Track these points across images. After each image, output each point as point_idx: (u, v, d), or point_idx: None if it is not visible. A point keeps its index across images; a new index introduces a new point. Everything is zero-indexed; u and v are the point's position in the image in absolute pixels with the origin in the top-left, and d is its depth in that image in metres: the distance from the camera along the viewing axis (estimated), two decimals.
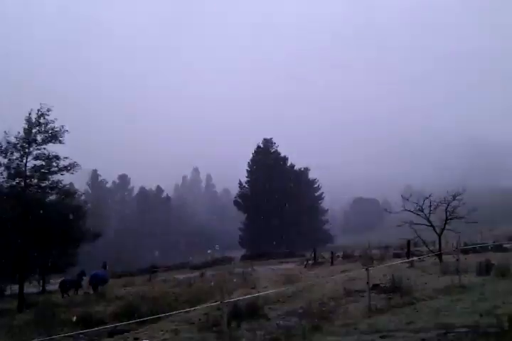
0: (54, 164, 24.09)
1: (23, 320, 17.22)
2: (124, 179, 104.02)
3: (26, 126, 23.95)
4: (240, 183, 79.91)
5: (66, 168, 24.56)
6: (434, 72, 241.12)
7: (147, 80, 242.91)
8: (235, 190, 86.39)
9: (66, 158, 24.25)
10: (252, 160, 79.85)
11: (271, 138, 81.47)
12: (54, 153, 23.90)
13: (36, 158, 23.77)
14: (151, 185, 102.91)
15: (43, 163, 23.75)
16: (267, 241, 73.24)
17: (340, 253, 33.91)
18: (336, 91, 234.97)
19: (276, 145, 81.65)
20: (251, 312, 12.98)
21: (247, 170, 79.79)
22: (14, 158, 23.50)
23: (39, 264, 24.08)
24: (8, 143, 23.49)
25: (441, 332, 8.98)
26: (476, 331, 8.55)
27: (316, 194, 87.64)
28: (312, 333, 10.38)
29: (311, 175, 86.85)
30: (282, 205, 76.65)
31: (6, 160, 23.48)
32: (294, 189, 77.45)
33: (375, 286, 14.41)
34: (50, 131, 23.81)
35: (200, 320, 13.18)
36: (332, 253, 29.17)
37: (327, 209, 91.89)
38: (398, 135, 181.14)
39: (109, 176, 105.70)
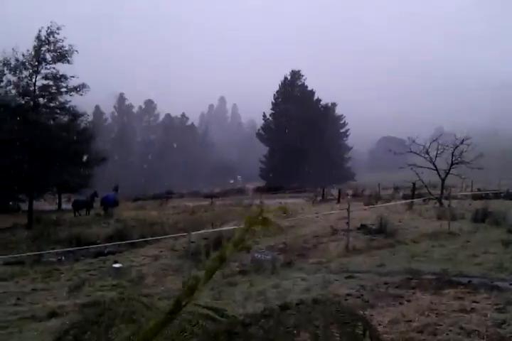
0: (63, 84, 23.81)
1: (23, 235, 17.97)
2: (150, 104, 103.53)
3: (36, 44, 23.39)
4: (264, 115, 78.41)
5: (75, 89, 24.29)
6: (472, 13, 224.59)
7: (181, 6, 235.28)
8: (260, 122, 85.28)
9: (73, 77, 23.90)
10: (277, 91, 77.51)
11: (299, 71, 78.26)
12: (62, 73, 23.54)
13: (45, 77, 23.47)
14: (176, 112, 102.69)
15: (52, 83, 23.45)
16: (287, 174, 73.50)
17: (351, 192, 33.64)
18: (372, 27, 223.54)
19: (304, 77, 78.59)
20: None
21: (272, 102, 77.78)
22: (23, 76, 23.27)
23: (49, 184, 24.56)
24: (17, 60, 23.14)
25: (406, 278, 8.80)
26: (440, 279, 8.30)
27: (342, 130, 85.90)
28: (283, 268, 10.41)
29: (338, 111, 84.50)
30: (305, 140, 75.71)
31: (15, 78, 23.30)
32: (318, 124, 75.79)
33: (363, 226, 14.21)
34: (58, 50, 23.23)
35: (184, 247, 13.40)
36: (340, 190, 28.92)
37: (351, 147, 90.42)
38: (433, 76, 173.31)
39: (137, 101, 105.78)
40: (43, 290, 9.63)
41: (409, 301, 7.30)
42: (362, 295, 7.84)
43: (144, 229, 17.27)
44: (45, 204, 35.61)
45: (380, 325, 5.95)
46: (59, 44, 23.33)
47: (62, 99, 24.42)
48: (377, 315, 6.58)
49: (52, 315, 7.79)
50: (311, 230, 15.19)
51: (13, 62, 23.17)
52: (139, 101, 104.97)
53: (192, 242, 14.13)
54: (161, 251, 13.08)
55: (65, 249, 13.10)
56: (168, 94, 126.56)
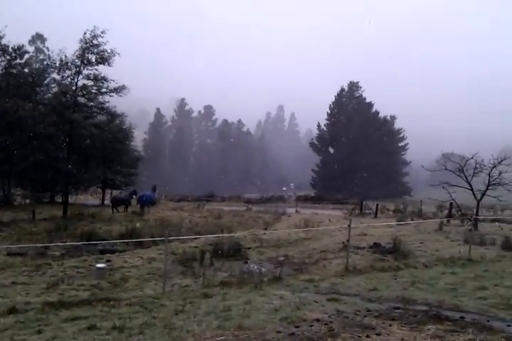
0: (104, 85, 24.43)
1: (46, 227, 18.33)
2: (209, 110, 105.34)
3: (80, 46, 24.21)
4: (319, 125, 77.48)
5: (115, 90, 24.87)
6: None
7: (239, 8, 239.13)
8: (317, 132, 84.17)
9: (113, 80, 24.53)
10: (333, 102, 76.29)
11: (357, 82, 76.61)
12: (102, 74, 24.20)
13: (87, 77, 24.22)
14: (234, 119, 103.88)
15: (92, 83, 24.16)
16: (337, 186, 72.04)
17: (392, 207, 32.04)
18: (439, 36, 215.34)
19: (362, 89, 76.84)
20: (234, 253, 12.55)
21: (327, 112, 76.67)
22: (66, 75, 24.13)
23: (83, 180, 25.23)
24: (62, 60, 24.02)
25: (392, 307, 7.84)
26: (428, 312, 7.29)
27: (400, 144, 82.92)
28: (269, 283, 9.71)
29: (398, 125, 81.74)
30: (359, 152, 73.84)
31: (59, 77, 24.20)
32: (375, 136, 73.66)
33: (376, 245, 13.16)
34: (101, 53, 23.94)
35: (184, 252, 13.03)
36: (377, 205, 27.55)
37: (409, 162, 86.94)
38: (500, 89, 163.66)
39: (197, 106, 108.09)
40: (22, 284, 9.57)
41: (378, 334, 6.39)
42: (331, 322, 7.01)
43: (159, 230, 17.06)
44: (90, 199, 36.85)
45: None
46: (101, 47, 24.07)
47: (101, 99, 25.14)
48: None
49: (11, 311, 7.61)
50: (323, 244, 14.34)
51: (58, 62, 24.11)
52: (198, 107, 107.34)
53: (195, 247, 13.81)
54: (160, 254, 12.73)
55: (67, 244, 13.13)
56: (228, 100, 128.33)
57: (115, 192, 36.21)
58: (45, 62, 24.38)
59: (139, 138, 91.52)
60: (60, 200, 29.93)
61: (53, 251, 13.66)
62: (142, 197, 28.68)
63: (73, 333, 6.44)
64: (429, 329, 6.48)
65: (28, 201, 30.45)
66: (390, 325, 6.75)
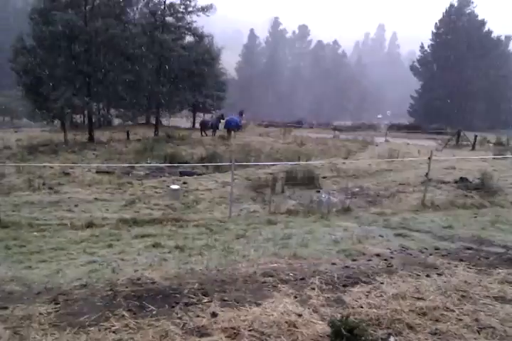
0: (191, 3, 23.90)
1: (134, 147, 19.41)
2: (303, 30, 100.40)
3: None
4: (422, 46, 70.81)
5: (203, 9, 24.24)
6: None
7: None
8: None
9: None
10: (440, 20, 68.44)
11: None
12: None
13: None
14: (330, 40, 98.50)
15: (180, 2, 23.69)
16: (438, 114, 67.14)
17: (494, 139, 29.27)
18: None
19: (474, 5, 67.74)
20: (308, 181, 12.37)
21: (432, 31, 69.38)
22: None
23: (173, 102, 25.84)
24: None
25: (465, 246, 7.30)
26: (502, 255, 6.67)
27: None
28: (337, 214, 9.49)
29: None
30: (467, 77, 67.18)
31: None
32: (485, 59, 66.07)
33: (462, 180, 12.15)
34: None
35: (259, 178, 13.11)
36: (475, 136, 25.28)
37: None
38: None
39: (292, 26, 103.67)
40: (103, 200, 10.30)
41: (440, 275, 5.98)
42: (391, 257, 6.71)
43: (241, 155, 17.25)
44: (181, 122, 38.25)
45: (379, 296, 4.96)
46: None
47: (189, 19, 24.72)
48: (387, 284, 5.54)
49: (89, 226, 8.25)
50: (405, 177, 13.57)
51: None
52: (293, 27, 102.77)
53: (270, 174, 13.82)
54: (235, 178, 12.93)
55: (150, 165, 13.79)
56: (324, 20, 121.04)
57: (206, 116, 37.04)
58: None
59: (233, 61, 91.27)
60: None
61: (138, 170, 14.48)
62: (229, 122, 29.00)
63: (139, 249, 6.80)
64: (498, 273, 5.92)
65: (126, 122, 32.32)
66: (456, 266, 6.27)
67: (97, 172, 13.75)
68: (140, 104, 24.87)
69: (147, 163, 15.29)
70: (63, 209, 9.35)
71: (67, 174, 13.66)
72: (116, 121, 33.18)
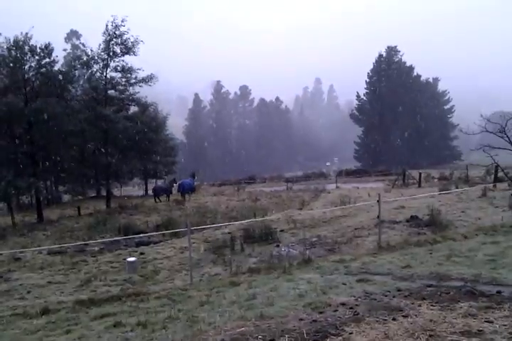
0: (132, 76, 24.54)
1: (86, 222, 18.90)
2: (244, 90, 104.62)
3: (105, 38, 24.29)
4: (358, 95, 75.23)
5: (144, 80, 24.93)
6: None
7: None
8: None
9: (139, 69, 24.53)
10: (372, 70, 73.61)
11: (395, 46, 73.39)
12: (129, 65, 24.29)
13: (115, 69, 24.36)
14: (271, 97, 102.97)
15: (121, 75, 24.29)
16: (381, 156, 70.21)
17: (437, 175, 30.73)
18: None
19: (401, 53, 73.61)
20: (266, 236, 12.39)
21: (365, 81, 74.19)
22: (95, 70, 24.37)
23: (122, 171, 25.70)
24: (88, 55, 24.24)
25: (425, 284, 7.43)
26: (462, 288, 6.83)
27: (446, 107, 79.42)
28: (298, 267, 9.48)
29: (442, 87, 78.21)
30: (403, 118, 71.41)
31: (88, 73, 24.43)
32: (418, 102, 70.80)
33: (413, 218, 12.58)
34: (124, 43, 23.92)
35: (217, 239, 13.01)
36: (420, 174, 26.48)
37: (457, 124, 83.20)
38: None
39: (233, 87, 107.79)
40: (57, 283, 9.83)
41: (405, 316, 6.01)
42: (356, 305, 6.71)
43: (196, 218, 17.16)
44: (134, 190, 37.81)
45: None
46: (125, 36, 24.04)
47: (132, 90, 25.28)
48: (356, 333, 5.49)
49: (44, 312, 7.80)
50: (358, 221, 13.87)
51: (84, 58, 24.33)
52: (235, 88, 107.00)
53: (228, 233, 13.75)
54: (194, 243, 12.75)
55: (101, 241, 13.40)
56: (263, 79, 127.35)
57: (159, 182, 36.89)
58: (72, 59, 24.62)
59: (180, 125, 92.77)
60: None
61: (92, 246, 14.01)
62: (182, 185, 29.01)
63: (99, 332, 6.49)
64: (461, 307, 6.02)
65: (76, 198, 31.54)
66: (420, 305, 6.34)
67: (48, 253, 13.20)
68: (89, 177, 24.57)
69: (101, 236, 14.86)
70: (15, 297, 8.83)
71: (18, 259, 13.02)
72: (66, 197, 32.44)
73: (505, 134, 14.09)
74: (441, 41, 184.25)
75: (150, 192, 35.50)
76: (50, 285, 9.68)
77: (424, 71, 76.05)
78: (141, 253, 12.14)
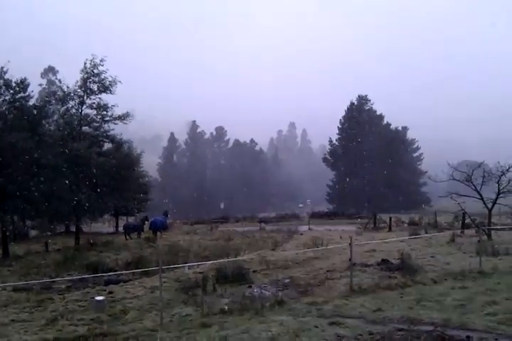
0: (108, 113, 24.74)
1: (53, 258, 18.37)
2: (220, 131, 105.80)
3: (82, 76, 24.62)
4: (330, 141, 77.57)
5: (119, 118, 25.15)
6: None
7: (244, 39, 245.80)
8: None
9: (113, 106, 24.77)
10: (344, 117, 76.38)
11: (366, 95, 76.67)
12: (105, 102, 24.51)
13: (91, 107, 24.56)
14: (246, 139, 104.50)
15: (96, 112, 24.49)
16: (353, 200, 71.29)
17: (407, 219, 31.41)
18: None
19: (371, 102, 76.83)
20: (238, 277, 12.30)
21: (338, 127, 76.78)
22: (70, 106, 24.51)
23: (94, 209, 25.30)
24: (64, 92, 24.45)
25: (397, 328, 7.53)
26: (431, 333, 6.94)
27: (415, 154, 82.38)
28: (271, 309, 9.43)
29: (411, 135, 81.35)
30: (374, 165, 73.38)
31: (63, 109, 24.54)
32: (388, 148, 73.15)
33: (384, 262, 12.78)
34: (102, 82, 24.29)
35: (189, 278, 12.84)
36: (390, 218, 27.05)
37: (426, 171, 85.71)
38: None
39: (209, 128, 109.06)
40: (22, 321, 9.45)
41: None
42: None
43: (168, 257, 16.86)
44: (104, 227, 37.04)
45: None
46: (102, 76, 24.43)
47: (107, 127, 25.42)
48: None
49: None
50: (331, 263, 13.99)
51: (60, 93, 24.51)
52: (210, 128, 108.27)
53: (200, 273, 13.59)
54: (164, 282, 12.52)
55: (69, 278, 13.05)
56: (238, 121, 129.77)
57: (130, 219, 36.37)
58: (47, 94, 24.80)
59: (154, 163, 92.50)
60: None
61: (59, 284, 13.59)
62: (154, 223, 28.72)
63: None
64: None
65: (44, 233, 30.70)
66: None
67: (13, 290, 12.70)
68: (58, 213, 24.08)
69: (69, 274, 14.43)
70: None
71: None
72: (34, 232, 31.55)
73: (472, 183, 14.71)
74: (408, 91, 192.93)
75: (121, 229, 34.93)
76: (13, 323, 9.30)
77: (393, 120, 79.29)
78: (110, 292, 11.83)
